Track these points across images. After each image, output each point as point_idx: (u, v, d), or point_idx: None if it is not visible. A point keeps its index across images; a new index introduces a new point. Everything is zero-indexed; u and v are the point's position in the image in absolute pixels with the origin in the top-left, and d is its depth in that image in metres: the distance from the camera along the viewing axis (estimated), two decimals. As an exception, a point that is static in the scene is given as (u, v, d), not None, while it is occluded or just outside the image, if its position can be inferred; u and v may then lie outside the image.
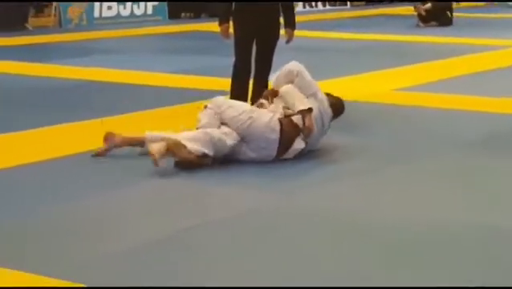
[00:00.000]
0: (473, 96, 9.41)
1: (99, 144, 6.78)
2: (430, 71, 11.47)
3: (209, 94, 8.97)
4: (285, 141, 6.49)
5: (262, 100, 6.85)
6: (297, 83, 6.69)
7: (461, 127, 7.90)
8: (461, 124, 8.01)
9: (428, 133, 7.61)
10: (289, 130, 6.49)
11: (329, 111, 6.76)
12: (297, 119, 6.51)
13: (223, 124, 6.51)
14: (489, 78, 10.95)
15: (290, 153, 6.52)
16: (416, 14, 18.36)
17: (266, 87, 8.09)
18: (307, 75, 6.75)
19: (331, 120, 6.85)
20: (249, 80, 8.08)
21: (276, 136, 6.45)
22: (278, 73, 6.87)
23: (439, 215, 5.22)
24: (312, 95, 6.66)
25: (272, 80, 6.97)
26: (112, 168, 6.33)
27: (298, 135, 6.52)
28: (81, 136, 7.34)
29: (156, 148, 6.13)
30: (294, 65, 6.80)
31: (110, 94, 9.77)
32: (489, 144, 7.23)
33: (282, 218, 5.17)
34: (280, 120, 6.50)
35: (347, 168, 6.44)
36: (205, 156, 6.28)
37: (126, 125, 7.82)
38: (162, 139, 6.31)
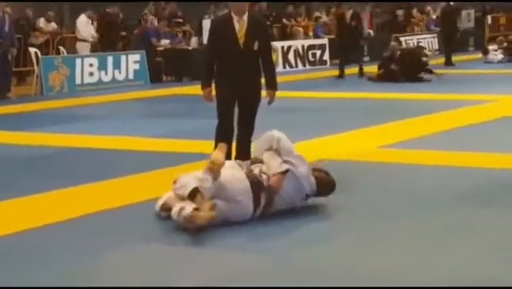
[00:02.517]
0: (456, 152, 9.44)
1: (83, 210, 6.80)
2: (413, 127, 11.51)
3: (194, 157, 9.01)
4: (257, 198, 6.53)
5: (252, 167, 6.88)
6: (277, 148, 6.79)
7: (446, 182, 7.89)
8: (446, 180, 8.01)
9: (413, 190, 7.61)
10: (257, 188, 6.54)
11: (311, 179, 6.81)
12: (263, 178, 6.60)
13: None
14: (471, 133, 11.00)
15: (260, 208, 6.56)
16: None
17: (249, 148, 8.11)
18: (286, 142, 6.84)
19: (317, 195, 6.90)
20: (232, 142, 8.08)
21: (248, 197, 6.46)
22: (257, 142, 6.95)
23: (426, 273, 5.19)
24: (288, 160, 6.72)
25: (253, 150, 7.01)
26: (100, 233, 6.29)
27: (262, 191, 6.56)
28: (67, 202, 7.29)
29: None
30: (274, 132, 6.91)
31: (93, 160, 9.71)
32: (474, 198, 7.23)
33: (271, 280, 5.11)
34: (251, 182, 6.54)
35: (332, 226, 6.42)
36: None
37: (109, 191, 7.78)
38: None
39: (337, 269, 5.33)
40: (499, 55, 23.78)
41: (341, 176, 7.25)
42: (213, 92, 8.10)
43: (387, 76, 18.76)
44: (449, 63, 23.04)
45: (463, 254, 5.62)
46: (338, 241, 6.02)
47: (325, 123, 12.28)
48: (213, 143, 8.10)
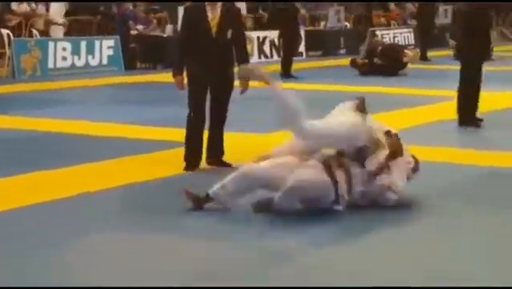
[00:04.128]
0: (432, 147, 9.40)
1: (51, 195, 6.73)
2: (388, 121, 11.44)
3: (167, 144, 8.95)
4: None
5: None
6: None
7: (423, 178, 7.82)
8: (424, 176, 7.94)
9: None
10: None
11: None
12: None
13: None
14: (446, 128, 10.98)
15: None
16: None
17: (222, 137, 8.03)
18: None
19: None
20: (204, 130, 8.00)
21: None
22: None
23: (404, 271, 5.15)
24: None
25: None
26: (70, 219, 6.18)
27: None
28: (35, 187, 7.19)
29: None
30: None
31: (64, 145, 9.61)
32: (454, 195, 7.19)
33: (248, 268, 5.04)
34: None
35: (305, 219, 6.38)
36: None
37: (79, 177, 7.68)
38: None
39: (312, 259, 5.28)
40: None
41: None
42: (186, 81, 8.01)
43: (369, 68, 18.88)
44: (424, 58, 23.11)
45: (442, 251, 5.59)
46: (310, 233, 5.96)
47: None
48: (185, 130, 8.03)
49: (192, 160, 7.94)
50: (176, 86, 8.05)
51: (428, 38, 23.82)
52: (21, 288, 4.35)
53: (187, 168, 7.90)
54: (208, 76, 7.87)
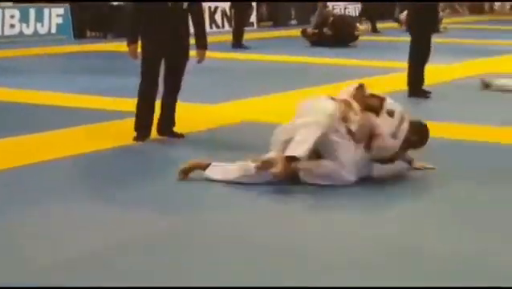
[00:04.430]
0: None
1: (1, 164, 6.66)
2: (337, 92, 11.50)
3: (117, 114, 8.88)
4: None
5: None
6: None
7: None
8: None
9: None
10: None
11: None
12: None
13: None
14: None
15: None
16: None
17: (174, 107, 7.99)
18: None
19: None
20: (155, 101, 7.94)
21: None
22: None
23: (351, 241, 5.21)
24: None
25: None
26: (26, 191, 6.13)
27: None
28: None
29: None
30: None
31: (12, 115, 9.47)
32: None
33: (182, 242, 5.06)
34: None
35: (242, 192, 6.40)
36: None
37: (26, 146, 7.60)
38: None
39: (258, 237, 5.30)
40: None
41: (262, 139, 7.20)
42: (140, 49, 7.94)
43: (318, 38, 18.95)
44: (374, 29, 23.29)
45: (407, 221, 5.63)
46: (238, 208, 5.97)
47: (251, 84, 12.22)
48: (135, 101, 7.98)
49: (142, 131, 7.88)
50: (130, 54, 7.96)
51: (377, 10, 24.04)
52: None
53: (137, 139, 7.84)
54: (163, 46, 7.78)
